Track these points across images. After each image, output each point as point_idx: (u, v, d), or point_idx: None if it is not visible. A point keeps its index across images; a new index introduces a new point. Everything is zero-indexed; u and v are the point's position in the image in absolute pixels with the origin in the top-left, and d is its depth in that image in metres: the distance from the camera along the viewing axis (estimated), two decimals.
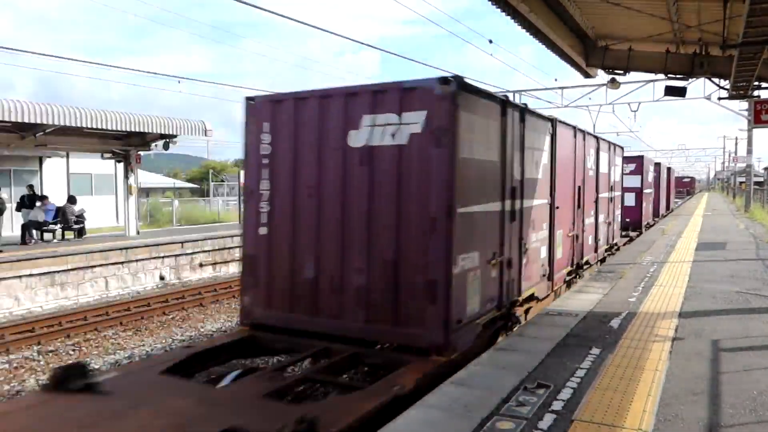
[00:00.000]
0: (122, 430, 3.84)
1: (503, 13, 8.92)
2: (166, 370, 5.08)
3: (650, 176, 22.96)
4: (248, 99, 6.39)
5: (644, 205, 21.06)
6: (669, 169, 33.29)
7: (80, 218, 17.54)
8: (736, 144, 51.90)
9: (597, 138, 11.35)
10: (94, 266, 13.90)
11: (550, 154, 8.27)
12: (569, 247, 9.53)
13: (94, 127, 14.85)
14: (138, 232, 18.47)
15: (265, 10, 11.83)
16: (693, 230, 18.36)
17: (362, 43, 13.37)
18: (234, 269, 17.55)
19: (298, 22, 10.33)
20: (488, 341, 6.31)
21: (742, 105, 25.88)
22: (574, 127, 9.61)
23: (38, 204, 16.75)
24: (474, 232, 5.79)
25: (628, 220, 18.58)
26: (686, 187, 75.86)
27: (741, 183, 45.75)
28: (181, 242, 16.34)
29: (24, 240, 15.70)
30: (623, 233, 16.96)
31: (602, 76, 14.51)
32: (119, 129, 15.51)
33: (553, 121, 8.33)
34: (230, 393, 4.63)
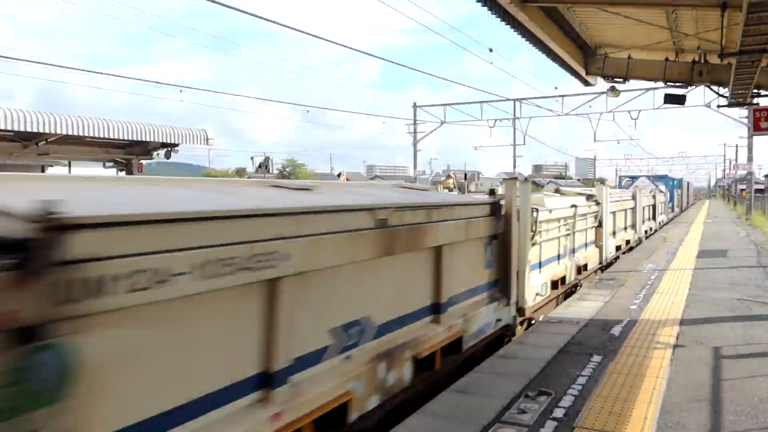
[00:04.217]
0: None
1: (502, 22, 8.98)
2: None
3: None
4: None
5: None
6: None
7: None
8: (737, 151, 51.94)
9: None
10: None
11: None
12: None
13: (97, 136, 14.91)
14: None
15: (265, 19, 11.92)
16: (694, 238, 18.35)
17: (362, 52, 13.46)
18: None
19: (299, 31, 10.41)
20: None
21: (742, 112, 25.95)
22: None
23: None
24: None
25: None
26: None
27: (742, 190, 45.58)
28: None
29: None
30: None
31: (602, 84, 14.57)
32: (121, 138, 15.58)
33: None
34: None
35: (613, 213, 14.14)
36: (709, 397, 4.42)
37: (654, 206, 22.56)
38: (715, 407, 4.21)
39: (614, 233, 14.62)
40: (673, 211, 33.72)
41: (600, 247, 12.72)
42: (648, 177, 35.13)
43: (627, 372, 4.99)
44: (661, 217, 25.86)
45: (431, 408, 4.21)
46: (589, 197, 12.27)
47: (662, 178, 35.89)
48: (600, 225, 12.56)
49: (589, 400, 4.34)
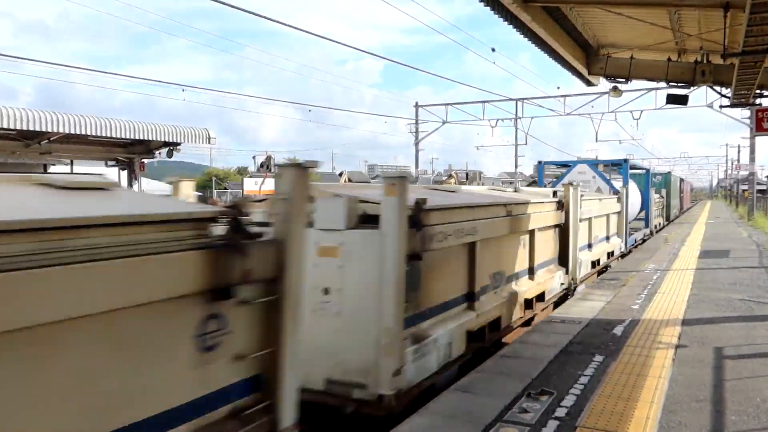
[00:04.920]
0: None
1: (505, 22, 8.97)
2: None
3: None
4: None
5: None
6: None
7: None
8: (739, 152, 51.80)
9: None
10: None
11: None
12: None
13: (99, 135, 14.93)
14: None
15: (268, 18, 11.93)
16: (696, 238, 18.34)
17: (364, 51, 13.48)
18: None
19: (301, 30, 10.40)
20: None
21: (744, 113, 25.94)
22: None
23: None
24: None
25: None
26: None
27: (744, 191, 45.44)
28: None
29: None
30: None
31: (604, 85, 14.54)
32: (123, 137, 15.60)
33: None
34: None
35: None
36: (711, 397, 4.43)
37: (561, 230, 9.01)
38: (718, 407, 4.21)
39: None
40: (647, 226, 19.64)
41: None
42: (591, 163, 17.03)
43: (629, 372, 5.00)
44: (610, 245, 12.70)
45: (434, 407, 4.22)
46: None
47: (621, 165, 17.56)
48: None
49: (591, 399, 4.34)
